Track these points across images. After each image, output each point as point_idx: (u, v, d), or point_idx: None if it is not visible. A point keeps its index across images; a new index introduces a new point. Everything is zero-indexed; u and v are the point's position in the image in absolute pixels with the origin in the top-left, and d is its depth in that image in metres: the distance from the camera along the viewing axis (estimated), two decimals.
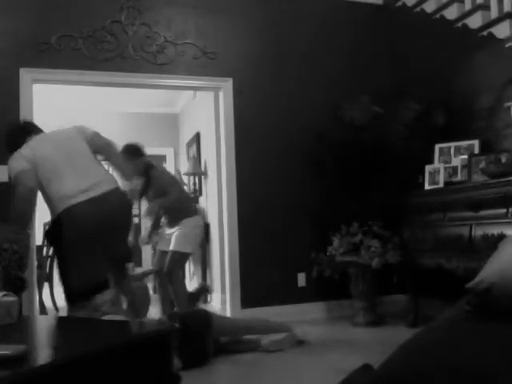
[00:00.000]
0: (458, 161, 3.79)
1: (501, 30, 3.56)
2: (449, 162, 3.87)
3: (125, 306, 3.26)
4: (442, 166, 3.84)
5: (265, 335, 3.32)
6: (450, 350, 1.22)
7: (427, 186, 3.87)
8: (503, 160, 3.27)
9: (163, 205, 4.13)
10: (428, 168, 3.92)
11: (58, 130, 3.10)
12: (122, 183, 3.13)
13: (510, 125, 3.50)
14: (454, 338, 1.32)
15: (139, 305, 3.40)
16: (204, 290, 4.76)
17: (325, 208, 4.43)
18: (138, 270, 5.10)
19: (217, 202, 5.22)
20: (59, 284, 2.91)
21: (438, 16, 4.21)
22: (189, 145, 6.93)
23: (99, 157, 3.07)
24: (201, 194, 6.26)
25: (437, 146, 4.02)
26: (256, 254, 4.32)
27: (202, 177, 6.20)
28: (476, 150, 3.73)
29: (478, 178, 3.47)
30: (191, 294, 4.37)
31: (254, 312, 4.07)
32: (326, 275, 4.15)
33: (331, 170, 4.32)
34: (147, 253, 8.54)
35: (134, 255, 3.49)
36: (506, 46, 3.51)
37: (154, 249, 6.58)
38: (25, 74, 3.88)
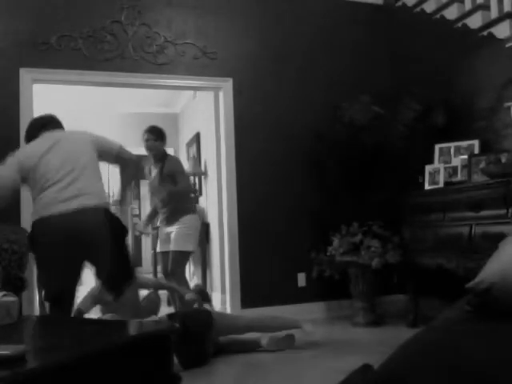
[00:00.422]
0: (458, 161, 3.79)
1: (501, 30, 3.56)
2: (449, 162, 3.87)
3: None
4: (441, 166, 3.84)
5: (264, 334, 3.32)
6: (449, 350, 1.22)
7: (427, 186, 3.87)
8: (503, 160, 3.27)
9: (173, 191, 4.10)
10: (428, 168, 3.92)
11: (68, 133, 3.01)
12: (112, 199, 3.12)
13: (510, 125, 3.50)
14: (454, 338, 1.32)
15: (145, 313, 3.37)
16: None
17: (325, 208, 4.43)
18: (143, 275, 5.04)
19: (217, 201, 5.21)
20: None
21: (438, 16, 4.21)
22: (189, 145, 6.93)
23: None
24: (201, 193, 6.26)
25: (437, 146, 4.02)
26: (256, 254, 4.32)
27: (202, 177, 6.20)
28: (476, 150, 3.73)
29: (478, 178, 3.47)
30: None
31: (254, 312, 4.07)
32: (326, 275, 4.15)
33: (331, 169, 4.32)
34: (147, 253, 8.55)
35: (134, 259, 3.37)
36: (506, 46, 3.51)
37: (154, 249, 6.60)
38: (25, 74, 3.88)
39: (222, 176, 4.60)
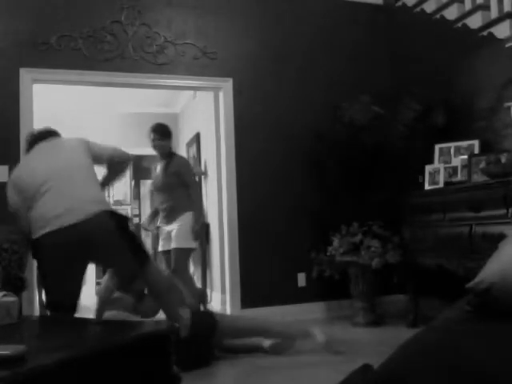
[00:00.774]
0: (458, 161, 3.79)
1: (501, 30, 3.56)
2: (449, 162, 3.87)
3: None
4: (441, 166, 3.84)
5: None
6: (449, 350, 1.22)
7: (427, 186, 3.87)
8: (503, 160, 3.27)
9: (197, 198, 4.12)
10: (428, 168, 3.92)
11: (61, 141, 2.94)
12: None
13: (510, 125, 3.50)
14: (454, 338, 1.32)
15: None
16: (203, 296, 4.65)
17: (325, 208, 4.43)
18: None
19: (217, 201, 5.21)
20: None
21: (438, 16, 4.21)
22: (189, 145, 6.93)
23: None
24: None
25: (437, 146, 4.02)
26: (256, 254, 4.32)
27: (202, 177, 6.20)
28: (476, 150, 3.73)
29: (478, 178, 3.47)
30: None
31: (254, 312, 4.07)
32: (325, 275, 4.15)
33: (331, 169, 4.32)
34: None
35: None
36: (506, 46, 3.51)
37: (155, 248, 6.60)
38: (25, 74, 3.88)
39: (222, 176, 4.60)
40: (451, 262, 3.37)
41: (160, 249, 4.36)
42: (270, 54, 4.52)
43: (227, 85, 4.41)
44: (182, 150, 7.64)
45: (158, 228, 4.55)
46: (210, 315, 3.23)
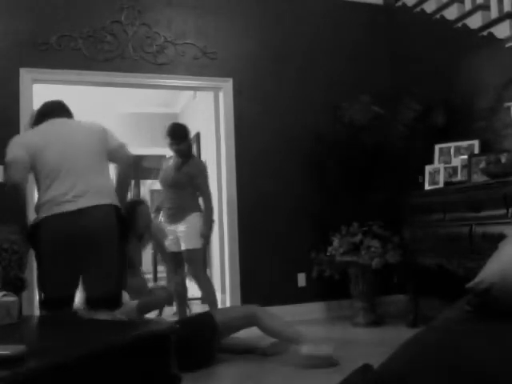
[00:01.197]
0: (458, 161, 3.79)
1: (501, 30, 3.56)
2: (449, 162, 3.87)
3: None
4: (441, 166, 3.84)
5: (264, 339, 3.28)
6: (449, 350, 1.22)
7: (427, 186, 3.87)
8: (503, 160, 3.27)
9: (209, 205, 3.98)
10: (428, 168, 3.92)
11: (77, 123, 2.83)
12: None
13: (510, 125, 3.50)
14: (454, 337, 1.32)
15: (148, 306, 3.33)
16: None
17: (325, 208, 4.43)
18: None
19: (217, 202, 5.21)
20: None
21: (438, 16, 4.21)
22: None
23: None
24: None
25: (437, 146, 4.02)
26: (256, 254, 4.32)
27: None
28: (476, 150, 3.73)
29: (478, 178, 3.47)
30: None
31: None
32: (325, 275, 4.16)
33: (331, 170, 4.32)
34: (147, 252, 8.53)
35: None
36: (506, 46, 3.51)
37: (154, 249, 6.59)
38: (25, 74, 3.88)
39: (222, 176, 4.60)
40: (451, 262, 3.37)
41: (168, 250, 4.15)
42: (270, 54, 4.52)
43: (227, 85, 4.41)
44: None
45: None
46: (210, 317, 3.18)
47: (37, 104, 4.06)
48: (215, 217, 5.32)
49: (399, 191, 4.03)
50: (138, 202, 3.68)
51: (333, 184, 4.39)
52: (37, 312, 4.24)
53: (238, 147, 4.38)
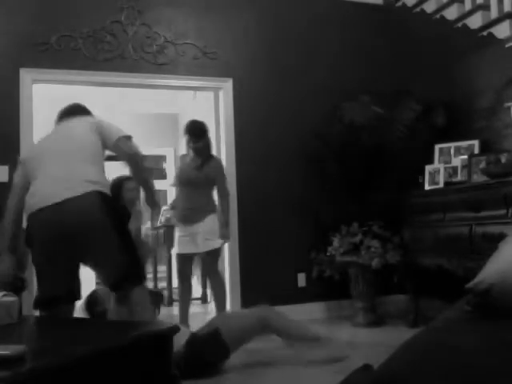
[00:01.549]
0: (458, 161, 3.79)
1: (501, 30, 3.56)
2: (449, 162, 3.88)
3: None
4: (441, 166, 3.84)
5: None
6: (450, 349, 1.22)
7: (427, 186, 3.87)
8: (503, 160, 3.27)
9: (228, 206, 3.89)
10: (428, 168, 3.92)
11: (74, 122, 2.73)
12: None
13: (510, 125, 3.50)
14: (454, 338, 1.32)
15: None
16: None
17: (325, 208, 4.43)
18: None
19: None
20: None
21: (438, 16, 4.21)
22: None
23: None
24: None
25: (437, 146, 4.02)
26: (256, 254, 4.32)
27: None
28: (476, 150, 3.73)
29: (477, 178, 3.47)
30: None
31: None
32: (325, 275, 4.16)
33: (331, 169, 4.32)
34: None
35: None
36: (506, 46, 3.52)
37: (154, 249, 6.59)
38: (25, 74, 3.88)
39: None
40: (451, 262, 3.37)
41: (180, 251, 3.96)
42: (270, 54, 4.52)
43: (227, 85, 4.41)
44: (182, 149, 7.64)
45: (158, 228, 4.44)
46: (218, 335, 2.89)
47: (37, 104, 4.08)
48: None
49: (399, 191, 4.03)
50: (126, 178, 3.54)
51: (333, 184, 4.39)
52: (37, 312, 4.25)
53: (237, 147, 4.38)
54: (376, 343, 3.41)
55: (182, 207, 3.90)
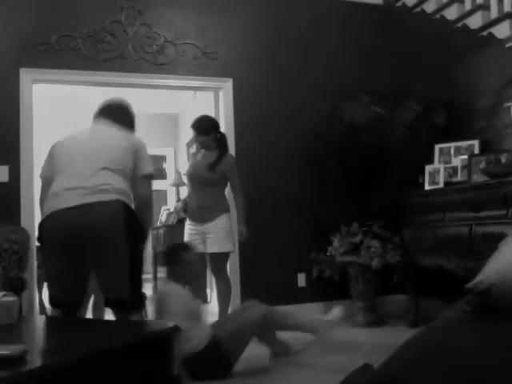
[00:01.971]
0: (458, 161, 3.80)
1: (501, 30, 3.56)
2: (449, 162, 3.88)
3: None
4: (442, 166, 3.85)
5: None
6: (450, 349, 1.22)
7: (427, 186, 3.87)
8: (503, 160, 3.27)
9: (243, 203, 3.78)
10: (428, 168, 3.92)
11: (116, 130, 2.69)
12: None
13: (510, 125, 3.50)
14: (454, 338, 1.32)
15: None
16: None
17: (325, 208, 4.43)
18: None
19: None
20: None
21: (438, 16, 4.21)
22: (189, 145, 6.92)
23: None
24: None
25: (437, 146, 4.02)
26: (256, 254, 4.32)
27: None
28: (476, 150, 3.73)
29: (478, 178, 3.47)
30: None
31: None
32: (325, 275, 4.16)
33: (331, 170, 4.32)
34: (147, 253, 8.53)
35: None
36: (506, 46, 3.52)
37: (154, 249, 6.59)
38: (25, 74, 3.88)
39: None
40: (451, 262, 3.37)
41: None
42: (270, 54, 4.52)
43: (227, 85, 4.41)
44: (182, 149, 7.65)
45: (161, 226, 4.35)
46: (219, 346, 2.83)
47: (37, 104, 4.09)
48: None
49: (399, 191, 4.03)
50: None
51: (333, 184, 4.39)
52: (37, 312, 4.26)
53: (237, 147, 4.38)
54: (376, 343, 3.41)
55: (194, 205, 3.83)
